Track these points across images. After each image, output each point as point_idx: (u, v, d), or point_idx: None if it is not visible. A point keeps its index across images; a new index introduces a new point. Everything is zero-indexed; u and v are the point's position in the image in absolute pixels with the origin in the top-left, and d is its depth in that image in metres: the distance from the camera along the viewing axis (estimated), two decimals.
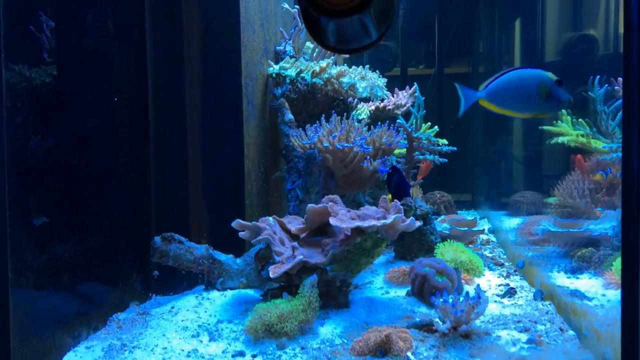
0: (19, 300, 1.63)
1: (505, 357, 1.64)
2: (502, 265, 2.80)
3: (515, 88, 2.03)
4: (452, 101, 3.10)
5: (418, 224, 2.01)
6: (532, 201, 3.78)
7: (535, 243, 2.97)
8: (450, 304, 1.74)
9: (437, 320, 1.82)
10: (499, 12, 4.43)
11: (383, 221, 1.88)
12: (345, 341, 1.78)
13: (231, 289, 2.29)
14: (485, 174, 4.66)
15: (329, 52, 2.87)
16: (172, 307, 2.14)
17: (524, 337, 1.79)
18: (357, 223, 1.87)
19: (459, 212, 4.27)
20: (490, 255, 3.00)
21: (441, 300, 1.78)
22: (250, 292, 2.28)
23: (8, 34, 1.58)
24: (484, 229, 3.33)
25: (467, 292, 1.77)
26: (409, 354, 1.65)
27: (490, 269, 2.70)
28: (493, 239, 3.40)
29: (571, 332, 1.82)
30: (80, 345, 1.87)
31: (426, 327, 1.83)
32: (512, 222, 3.53)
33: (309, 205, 1.98)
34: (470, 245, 3.12)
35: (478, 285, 1.88)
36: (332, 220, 1.91)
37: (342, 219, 1.93)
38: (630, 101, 1.27)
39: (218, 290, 2.28)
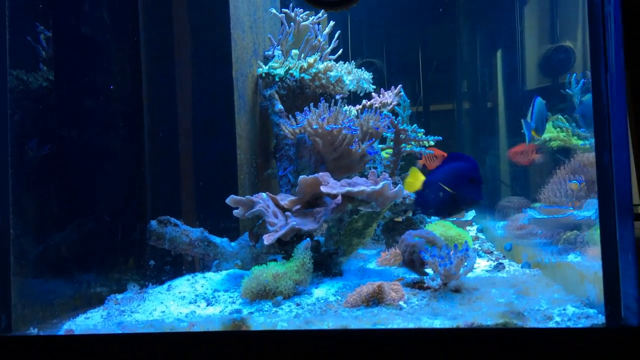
0: (20, 282, 1.70)
1: (494, 304, 1.70)
2: (491, 253, 2.86)
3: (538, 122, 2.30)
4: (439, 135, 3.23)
5: (406, 192, 2.08)
6: (519, 206, 3.86)
7: (523, 236, 3.04)
8: (440, 257, 1.80)
9: (427, 277, 1.87)
10: (479, 46, 4.57)
11: (372, 187, 1.95)
12: (339, 298, 1.83)
13: (227, 270, 2.33)
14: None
15: (314, 52, 2.99)
16: (169, 286, 2.18)
17: (511, 290, 1.84)
18: (348, 188, 1.94)
19: None
20: (479, 247, 3.07)
21: (430, 255, 1.83)
22: (246, 272, 2.32)
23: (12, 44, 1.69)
24: (471, 220, 3.39)
25: (456, 245, 1.83)
26: (401, 302, 1.70)
27: (480, 256, 2.76)
28: (482, 236, 3.47)
29: (557, 286, 1.88)
30: (79, 317, 1.90)
31: (417, 284, 1.89)
32: (500, 224, 3.61)
33: (300, 176, 2.05)
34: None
35: (466, 241, 1.94)
36: (323, 188, 1.98)
37: (333, 186, 2.00)
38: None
39: (214, 272, 2.32)
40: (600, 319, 1.46)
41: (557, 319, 1.49)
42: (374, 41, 4.82)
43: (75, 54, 2.14)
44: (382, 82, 4.84)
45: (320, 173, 2.05)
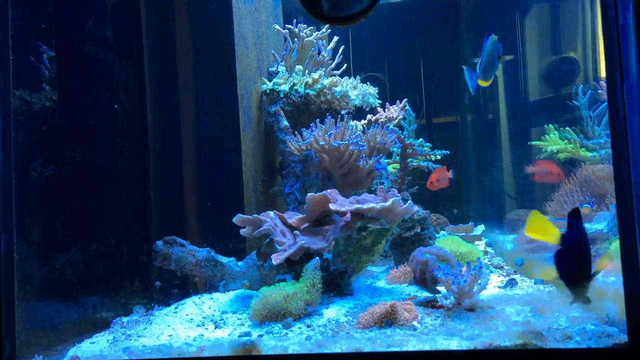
0: (24, 308, 1.66)
1: (510, 323, 1.65)
2: (501, 268, 2.81)
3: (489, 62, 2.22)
4: (442, 148, 3.18)
5: (416, 208, 2.04)
6: (526, 219, 3.81)
7: (534, 250, 2.99)
8: (453, 274, 1.76)
9: (441, 295, 1.83)
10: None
11: (382, 203, 1.92)
12: (351, 319, 1.79)
13: (234, 291, 2.29)
14: (480, 198, 4.71)
15: (319, 67, 2.96)
16: (176, 308, 2.13)
17: (527, 308, 1.80)
18: (357, 205, 1.91)
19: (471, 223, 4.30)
20: (489, 262, 3.02)
21: (443, 273, 1.79)
22: (254, 292, 2.28)
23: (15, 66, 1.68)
24: (480, 235, 3.35)
25: (469, 262, 1.79)
26: (414, 323, 1.66)
27: (490, 271, 2.71)
28: (491, 250, 3.42)
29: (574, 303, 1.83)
30: (85, 342, 1.86)
31: (430, 304, 1.84)
32: (509, 237, 3.56)
33: (309, 194, 2.02)
34: None
35: (478, 258, 1.90)
36: (331, 205, 1.95)
37: (342, 203, 1.96)
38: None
39: (221, 292, 2.28)
40: (622, 338, 1.42)
41: (577, 338, 1.44)
42: (376, 55, 4.81)
43: (78, 73, 2.12)
44: (385, 96, 4.82)
45: (328, 190, 2.02)
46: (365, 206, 1.91)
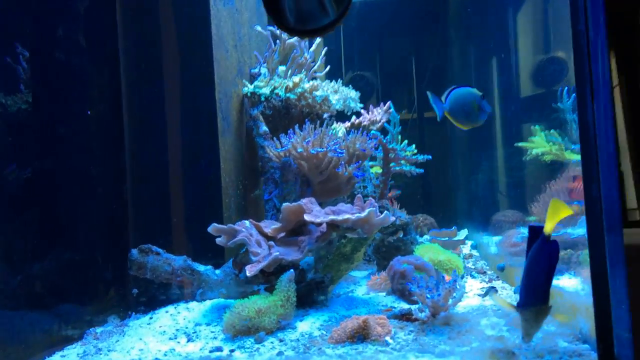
0: None
1: (484, 338, 1.63)
2: (484, 273, 2.80)
3: (460, 105, 2.15)
4: (433, 144, 3.12)
5: (392, 218, 2.01)
6: (514, 220, 3.79)
7: (517, 254, 2.97)
8: (427, 288, 1.74)
9: (416, 308, 1.81)
10: (474, 53, 4.51)
11: (358, 214, 1.89)
12: (324, 332, 1.76)
13: (211, 299, 2.26)
14: (466, 199, 4.68)
15: (301, 70, 2.93)
16: (151, 318, 2.11)
17: (503, 321, 1.78)
18: (332, 217, 1.88)
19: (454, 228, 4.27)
20: (472, 267, 3.00)
21: (417, 286, 1.77)
22: (231, 301, 2.25)
23: None
24: (464, 239, 3.32)
25: (443, 276, 1.77)
26: (387, 338, 1.64)
27: (472, 276, 2.69)
28: (476, 253, 3.40)
29: (550, 316, 1.81)
30: (55, 354, 1.83)
31: (405, 316, 1.82)
32: (494, 239, 3.54)
33: (284, 204, 1.99)
34: None
35: (454, 270, 1.88)
36: (306, 216, 1.92)
37: (317, 214, 1.93)
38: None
39: (197, 301, 2.25)
40: (593, 357, 1.40)
41: (548, 357, 1.42)
42: (367, 52, 4.77)
43: (51, 77, 2.08)
44: (374, 95, 4.79)
45: (304, 200, 1.99)
46: (340, 217, 1.88)
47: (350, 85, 3.04)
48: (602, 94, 1.26)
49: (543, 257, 1.42)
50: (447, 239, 2.99)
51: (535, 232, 1.47)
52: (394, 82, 4.90)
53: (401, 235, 2.87)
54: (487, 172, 4.06)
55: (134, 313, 2.30)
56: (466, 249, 3.43)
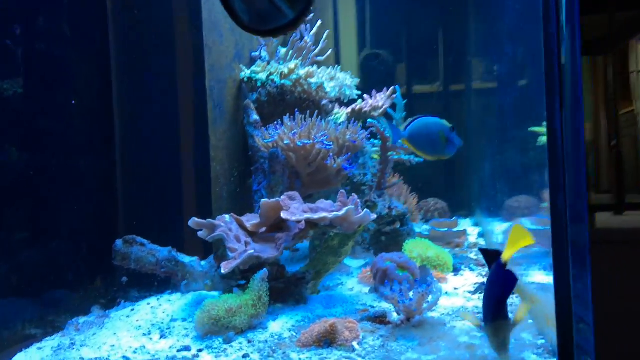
0: None
1: (455, 345, 1.58)
2: (484, 265, 2.72)
3: (424, 134, 2.05)
4: (458, 119, 2.98)
5: (373, 216, 1.96)
6: (527, 206, 3.67)
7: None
8: (399, 293, 1.69)
9: (391, 311, 1.76)
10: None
11: (335, 213, 1.84)
12: (294, 334, 1.73)
13: (196, 291, 2.25)
14: (480, 182, 4.57)
15: (301, 54, 2.86)
16: (132, 309, 2.11)
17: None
18: (308, 215, 1.84)
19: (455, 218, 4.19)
20: (475, 257, 2.93)
21: (389, 290, 1.72)
22: (215, 293, 2.24)
23: None
24: (465, 230, 3.24)
25: (417, 280, 1.71)
26: (354, 343, 1.60)
27: (471, 269, 2.63)
28: (482, 242, 3.32)
29: (529, 320, 1.75)
30: (33, 346, 1.85)
31: (379, 319, 1.78)
32: (503, 227, 3.44)
33: (262, 200, 1.96)
34: (456, 248, 3.05)
35: (430, 274, 1.83)
36: (283, 214, 1.88)
37: (294, 212, 1.89)
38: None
39: (182, 293, 2.25)
40: None
41: None
42: (391, 26, 4.64)
43: (40, 67, 2.07)
44: (388, 73, 4.68)
45: (283, 196, 1.95)
46: (316, 216, 1.84)
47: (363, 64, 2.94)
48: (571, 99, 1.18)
49: (497, 285, 1.36)
50: (447, 229, 2.91)
51: (489, 255, 1.41)
52: (419, 54, 4.77)
53: (398, 226, 2.81)
54: (511, 147, 3.92)
55: (123, 301, 2.32)
56: (473, 237, 3.36)
